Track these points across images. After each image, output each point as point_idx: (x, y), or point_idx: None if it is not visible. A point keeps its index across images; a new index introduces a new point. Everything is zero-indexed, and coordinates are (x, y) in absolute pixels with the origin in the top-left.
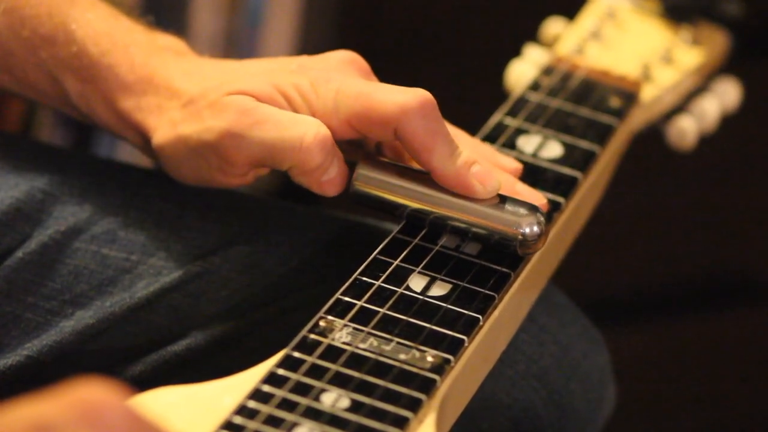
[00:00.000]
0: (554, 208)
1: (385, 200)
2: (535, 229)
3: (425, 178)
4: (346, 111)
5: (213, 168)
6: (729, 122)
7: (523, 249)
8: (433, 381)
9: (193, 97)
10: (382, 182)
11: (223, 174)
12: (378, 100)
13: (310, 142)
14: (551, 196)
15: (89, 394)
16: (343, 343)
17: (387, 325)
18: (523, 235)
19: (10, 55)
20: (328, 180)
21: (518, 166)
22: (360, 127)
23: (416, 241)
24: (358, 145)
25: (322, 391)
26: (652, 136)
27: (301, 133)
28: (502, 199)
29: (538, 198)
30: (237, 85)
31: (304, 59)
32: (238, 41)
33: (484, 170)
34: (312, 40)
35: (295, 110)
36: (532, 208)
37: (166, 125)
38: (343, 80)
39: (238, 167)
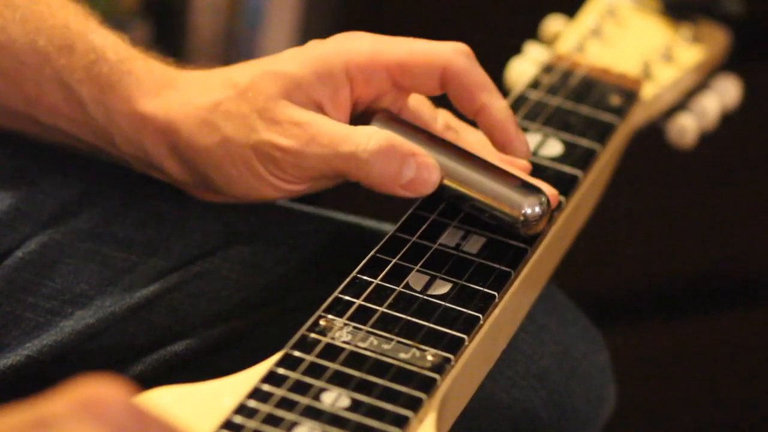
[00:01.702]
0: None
1: None
2: (537, 209)
3: (441, 143)
4: (387, 60)
5: (266, 180)
6: (729, 122)
7: (525, 228)
8: (434, 380)
9: (230, 95)
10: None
11: (274, 188)
12: (423, 49)
13: (366, 157)
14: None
15: (90, 390)
16: (343, 341)
17: (387, 323)
18: (525, 215)
19: (23, 66)
20: (409, 183)
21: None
22: (406, 75)
23: (415, 239)
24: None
25: (322, 390)
26: (652, 135)
27: (355, 147)
28: (512, 177)
29: (550, 187)
30: (281, 83)
31: (333, 39)
32: (238, 41)
33: (521, 132)
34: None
35: (335, 84)
36: (538, 190)
37: (204, 128)
38: (375, 35)
39: (296, 181)
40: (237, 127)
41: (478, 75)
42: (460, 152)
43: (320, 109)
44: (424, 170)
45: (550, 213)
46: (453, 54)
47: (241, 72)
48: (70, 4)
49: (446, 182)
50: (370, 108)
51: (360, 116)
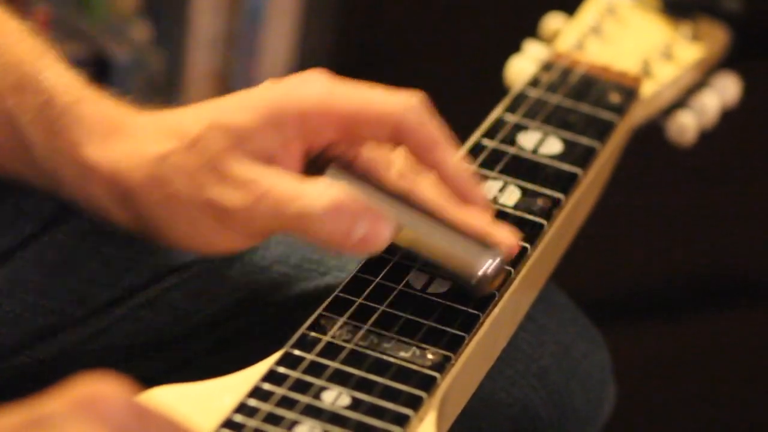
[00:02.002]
0: (554, 204)
1: None
2: (490, 270)
3: (395, 198)
4: (337, 109)
5: (216, 237)
6: (729, 121)
7: (478, 288)
8: (434, 378)
9: (177, 147)
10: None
11: (227, 243)
12: (375, 100)
13: (316, 216)
14: (551, 192)
15: (89, 388)
16: (343, 340)
17: (387, 322)
18: (478, 277)
19: None
20: (360, 241)
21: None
22: (354, 128)
23: None
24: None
25: (322, 388)
26: (652, 133)
27: (304, 206)
28: (465, 235)
29: (512, 236)
30: (230, 136)
31: (288, 80)
32: (238, 41)
33: (477, 184)
34: (312, 40)
35: (284, 133)
36: (490, 249)
37: (152, 181)
38: (330, 80)
39: (247, 238)
40: (184, 183)
41: (429, 132)
42: (414, 208)
43: (271, 159)
44: (375, 229)
45: (507, 272)
46: (405, 110)
47: (192, 120)
48: (29, 39)
49: (397, 241)
50: (324, 155)
51: (314, 162)
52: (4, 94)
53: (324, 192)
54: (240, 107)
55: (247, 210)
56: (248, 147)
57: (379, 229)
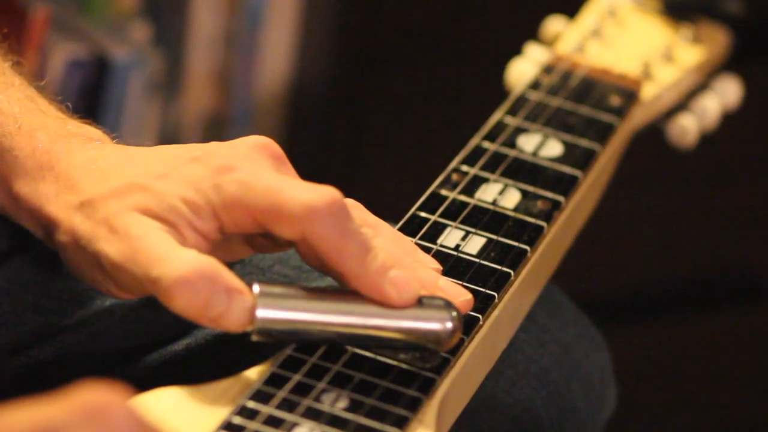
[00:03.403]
0: (554, 207)
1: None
2: (449, 326)
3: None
4: (251, 205)
5: (111, 286)
6: (729, 122)
7: (438, 348)
8: (433, 381)
9: (91, 198)
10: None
11: (121, 292)
12: (285, 199)
13: (167, 284)
14: (551, 194)
15: (93, 397)
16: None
17: None
18: (432, 340)
19: None
20: (217, 318)
21: (438, 267)
22: (266, 224)
23: (416, 240)
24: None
25: (322, 391)
26: (652, 135)
27: (161, 272)
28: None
29: (462, 293)
30: (146, 199)
31: (212, 146)
32: (238, 41)
33: (402, 276)
34: (312, 41)
35: (196, 215)
36: (443, 308)
37: (67, 225)
38: (250, 171)
39: (126, 294)
40: (85, 234)
41: (336, 239)
42: (343, 296)
43: (175, 230)
44: (234, 309)
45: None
46: (313, 215)
47: (120, 170)
48: None
49: (341, 330)
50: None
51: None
52: None
53: (188, 261)
54: (165, 176)
55: (119, 265)
56: (157, 210)
57: (237, 309)
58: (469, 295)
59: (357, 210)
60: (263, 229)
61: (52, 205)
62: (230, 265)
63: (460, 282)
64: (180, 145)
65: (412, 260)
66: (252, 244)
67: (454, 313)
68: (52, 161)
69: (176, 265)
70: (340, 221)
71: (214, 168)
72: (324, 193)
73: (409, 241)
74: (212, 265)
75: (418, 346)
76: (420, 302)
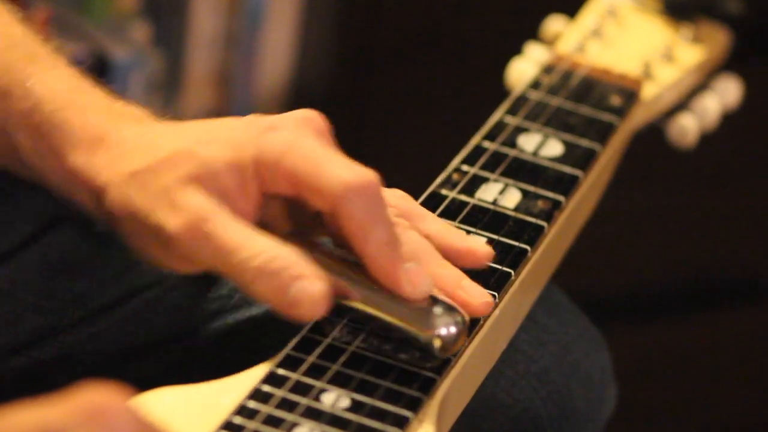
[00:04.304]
0: (555, 206)
1: None
2: (453, 330)
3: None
4: (290, 167)
5: (168, 258)
6: (729, 122)
7: (441, 353)
8: (433, 380)
9: (143, 167)
10: None
11: (178, 265)
12: (324, 170)
13: (249, 274)
14: (552, 194)
15: (94, 398)
16: (343, 342)
17: (387, 324)
18: (435, 343)
19: None
20: (291, 305)
21: (489, 250)
22: (301, 190)
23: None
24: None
25: (322, 390)
26: (653, 135)
27: (240, 260)
28: (430, 301)
29: (482, 295)
30: (195, 166)
31: (260, 115)
32: (238, 41)
33: (417, 270)
34: (312, 41)
35: (242, 179)
36: (448, 313)
37: (120, 195)
38: (294, 134)
39: (188, 266)
40: (142, 202)
41: (365, 223)
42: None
43: (227, 197)
44: (307, 297)
45: (468, 331)
46: (346, 193)
47: (168, 141)
48: (22, 44)
49: (355, 305)
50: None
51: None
52: None
53: (266, 250)
54: (212, 140)
55: (189, 244)
56: (206, 182)
57: (312, 299)
58: (489, 298)
59: (403, 200)
60: (298, 195)
61: (104, 175)
62: None
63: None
64: (228, 118)
65: (436, 257)
66: (286, 215)
67: (458, 319)
68: (103, 134)
69: (254, 253)
70: (371, 204)
71: (259, 127)
72: (362, 174)
73: (451, 230)
74: (290, 253)
75: (414, 342)
76: (433, 302)
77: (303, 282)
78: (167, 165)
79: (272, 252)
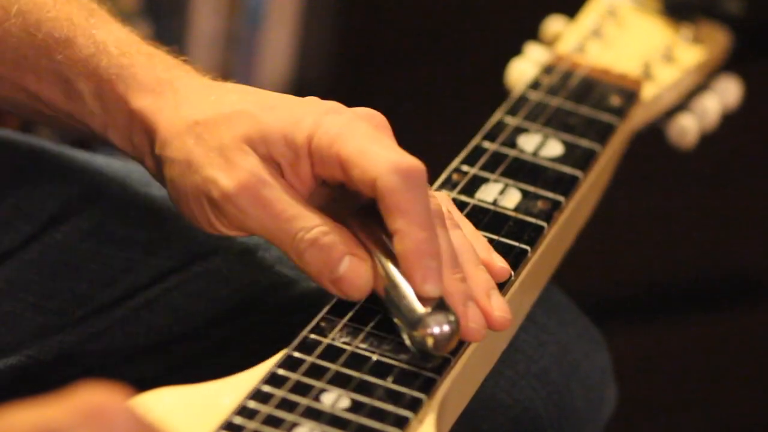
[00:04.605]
0: (555, 207)
1: None
2: (446, 328)
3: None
4: (343, 148)
5: (209, 216)
6: (729, 122)
7: (435, 349)
8: (433, 380)
9: (205, 119)
10: None
11: (219, 225)
12: (373, 151)
13: (302, 246)
14: (552, 194)
15: (93, 398)
16: (343, 342)
17: (387, 325)
18: (428, 341)
19: (23, 59)
20: (337, 280)
21: (506, 268)
22: (348, 172)
23: None
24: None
25: (322, 391)
26: (653, 136)
27: (296, 231)
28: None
29: (503, 309)
30: (253, 128)
31: (333, 104)
32: (238, 41)
33: (434, 269)
34: (312, 41)
35: (296, 152)
36: (443, 312)
37: (178, 142)
38: (354, 121)
39: (233, 227)
40: (199, 154)
41: (403, 200)
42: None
43: (279, 169)
44: (354, 275)
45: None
46: (387, 172)
47: (233, 100)
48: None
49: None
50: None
51: (333, 191)
52: (53, 49)
53: (318, 225)
54: (274, 108)
55: (242, 205)
56: (260, 148)
57: (358, 277)
58: (509, 315)
59: (445, 201)
60: (346, 179)
61: (168, 118)
62: (230, 266)
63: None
64: (305, 99)
65: (477, 260)
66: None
67: (452, 318)
68: (172, 79)
69: (308, 224)
70: (413, 184)
71: (322, 108)
72: (411, 159)
73: (484, 245)
74: (340, 230)
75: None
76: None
77: (354, 260)
78: (227, 122)
79: (326, 227)
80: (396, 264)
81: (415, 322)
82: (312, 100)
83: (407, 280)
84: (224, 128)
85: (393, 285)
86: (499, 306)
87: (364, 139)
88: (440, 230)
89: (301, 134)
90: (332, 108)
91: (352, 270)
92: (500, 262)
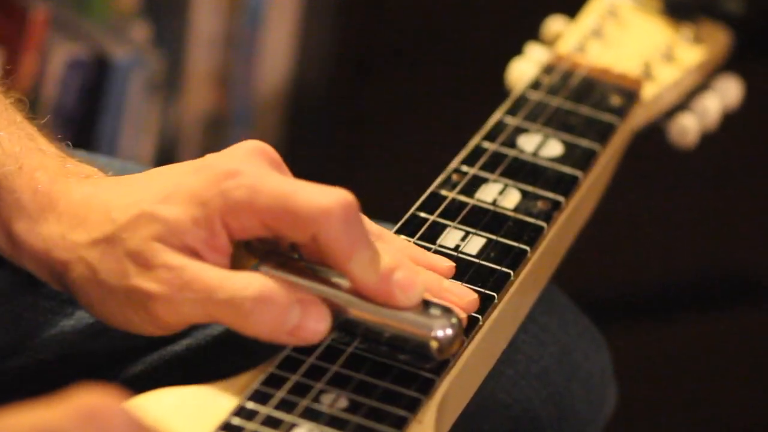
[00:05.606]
0: (555, 207)
1: None
2: (449, 332)
3: (334, 278)
4: (261, 209)
5: (144, 321)
6: (730, 122)
7: (439, 355)
8: (432, 381)
9: (104, 235)
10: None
11: (155, 327)
12: (298, 202)
13: (246, 305)
14: (552, 195)
15: (90, 400)
16: (342, 342)
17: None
18: (432, 345)
19: None
20: (294, 330)
21: (451, 265)
22: (275, 227)
23: (415, 240)
24: (272, 243)
25: (321, 391)
26: (653, 136)
27: (232, 294)
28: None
29: (467, 294)
30: (158, 229)
31: (209, 157)
32: (238, 41)
33: (406, 277)
34: (312, 41)
35: (210, 232)
36: (444, 315)
37: (81, 265)
38: (255, 174)
39: (172, 326)
40: (111, 270)
41: (348, 243)
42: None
43: (196, 254)
44: (310, 318)
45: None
46: (326, 219)
47: (124, 205)
48: None
49: (350, 317)
50: (259, 244)
51: (248, 249)
52: None
53: (253, 281)
54: (171, 197)
55: (170, 297)
56: (172, 241)
57: (315, 319)
58: (474, 296)
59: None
60: (271, 233)
61: (60, 248)
62: None
63: (460, 282)
64: (177, 164)
65: (413, 264)
66: (251, 250)
67: (454, 320)
68: (52, 202)
69: (242, 285)
70: (351, 223)
71: (217, 175)
72: (337, 196)
73: (413, 246)
74: (276, 282)
75: (411, 346)
76: (426, 306)
77: (305, 304)
78: (130, 229)
79: (260, 280)
80: (356, 296)
81: (418, 332)
82: (202, 167)
83: (380, 304)
84: (128, 236)
85: (377, 309)
86: (459, 293)
87: (280, 191)
88: (381, 245)
89: (211, 213)
90: (228, 171)
91: (308, 314)
92: (445, 262)
